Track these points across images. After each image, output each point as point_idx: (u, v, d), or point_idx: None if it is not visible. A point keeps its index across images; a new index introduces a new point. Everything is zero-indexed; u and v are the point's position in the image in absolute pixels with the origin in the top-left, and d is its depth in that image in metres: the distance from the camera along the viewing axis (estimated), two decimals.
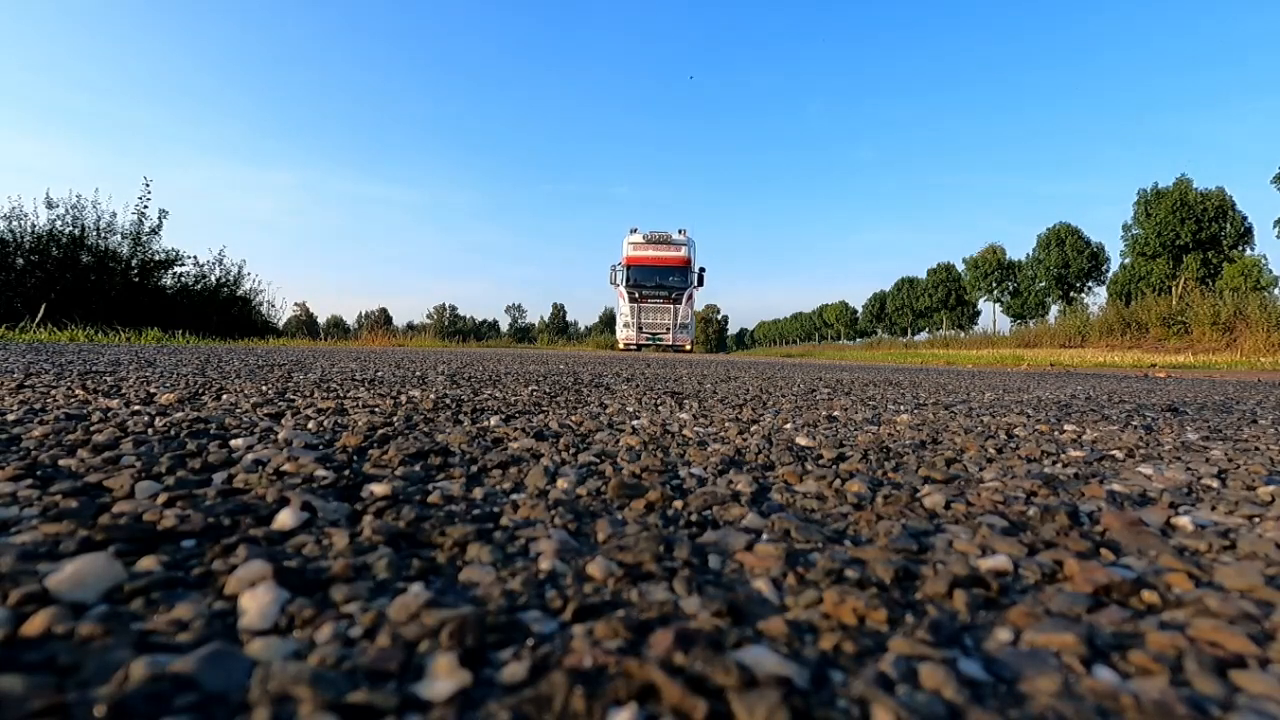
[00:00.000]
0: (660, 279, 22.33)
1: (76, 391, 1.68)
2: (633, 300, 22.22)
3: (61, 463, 0.87)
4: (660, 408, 1.89)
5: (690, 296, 22.50)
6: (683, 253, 22.76)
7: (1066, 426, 1.71)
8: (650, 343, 21.90)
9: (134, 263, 11.18)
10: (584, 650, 0.43)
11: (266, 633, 0.45)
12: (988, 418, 1.89)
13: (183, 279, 12.36)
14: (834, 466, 1.10)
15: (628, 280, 22.60)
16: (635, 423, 1.54)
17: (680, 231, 23.41)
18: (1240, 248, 27.01)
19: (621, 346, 21.99)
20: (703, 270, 23.31)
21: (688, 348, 21.91)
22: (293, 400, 1.69)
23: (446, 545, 0.64)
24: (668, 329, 22.04)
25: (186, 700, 0.36)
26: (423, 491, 0.83)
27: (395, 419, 1.41)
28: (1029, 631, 0.49)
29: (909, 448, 1.31)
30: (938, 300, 43.28)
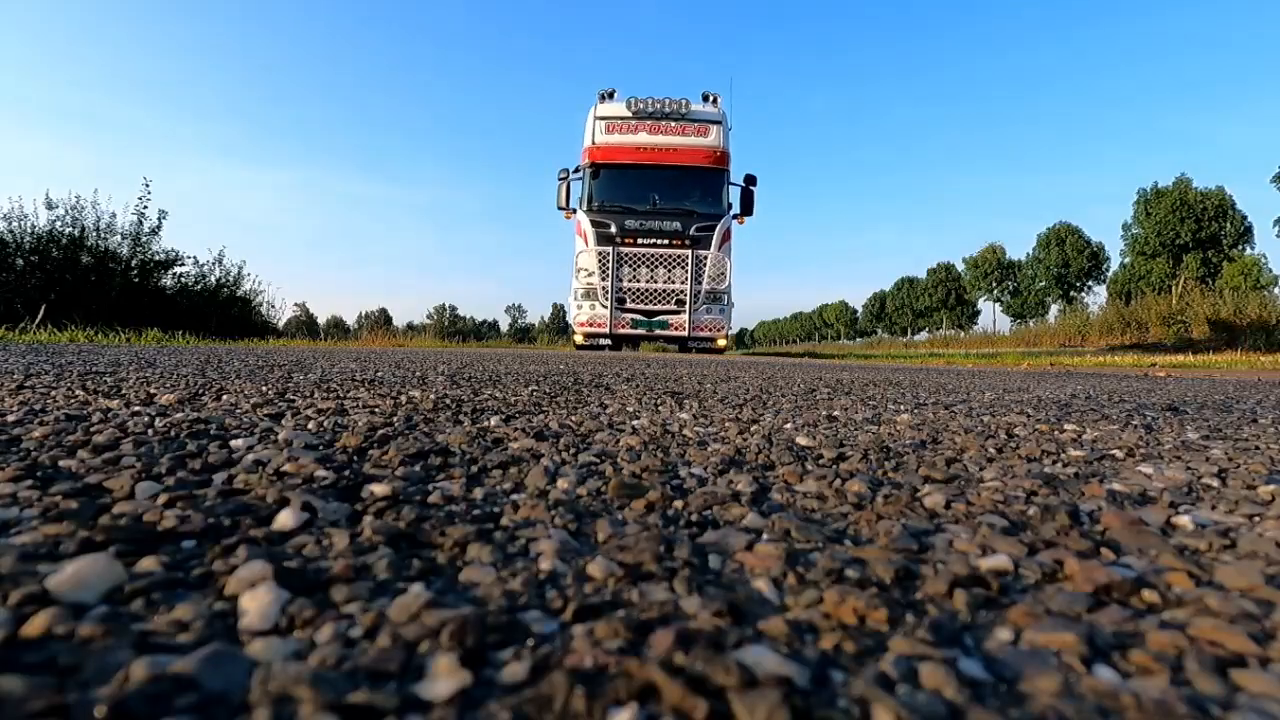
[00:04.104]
0: (663, 196, 11.14)
1: (76, 392, 1.68)
2: (605, 242, 10.97)
3: (62, 463, 0.87)
4: (660, 408, 1.89)
5: (726, 237, 11.19)
6: (710, 139, 11.27)
7: (1067, 426, 1.71)
8: (642, 331, 11.19)
9: (134, 263, 11.19)
10: (584, 650, 0.43)
11: (267, 633, 0.45)
12: (988, 417, 1.89)
13: (182, 279, 12.38)
14: (834, 466, 1.10)
15: (591, 200, 11.30)
16: (635, 423, 1.54)
17: (708, 99, 11.76)
18: (1240, 247, 27.03)
19: (581, 339, 11.47)
20: (751, 181, 11.70)
21: (721, 342, 11.35)
22: (293, 401, 1.69)
23: (447, 545, 0.64)
24: (680, 303, 10.93)
25: (187, 701, 0.36)
26: (423, 492, 0.83)
27: (395, 419, 1.41)
28: (1029, 631, 0.49)
29: (909, 447, 1.31)
30: (938, 300, 43.31)
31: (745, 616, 0.50)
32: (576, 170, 11.84)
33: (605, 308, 11.07)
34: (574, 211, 11.74)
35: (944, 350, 19.63)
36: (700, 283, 11.06)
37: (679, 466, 1.05)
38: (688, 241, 11.09)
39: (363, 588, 0.52)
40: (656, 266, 11.10)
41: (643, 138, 11.43)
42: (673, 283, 11.11)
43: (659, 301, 11.15)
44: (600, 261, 11.09)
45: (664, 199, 11.27)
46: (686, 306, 11.01)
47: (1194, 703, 0.40)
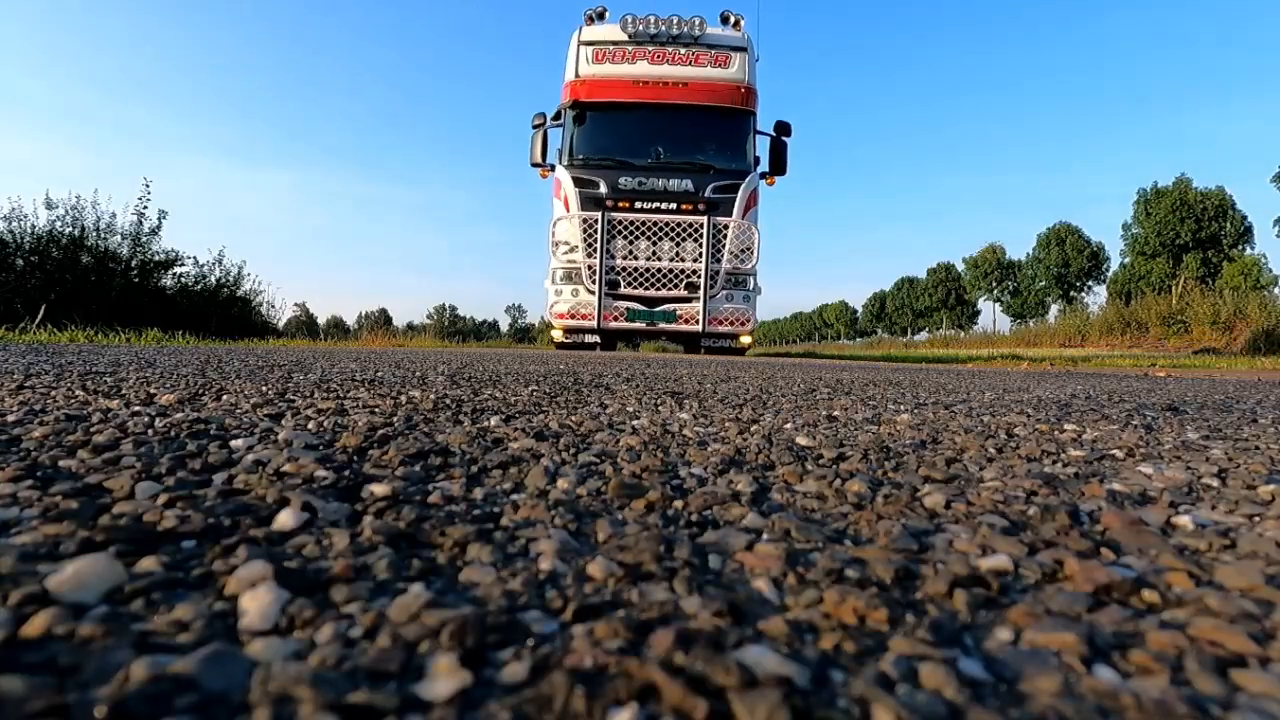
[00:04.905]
0: (669, 145, 8.49)
1: (76, 392, 1.68)
2: (592, 206, 8.28)
3: (62, 463, 0.87)
4: (660, 408, 1.89)
5: (752, 200, 8.50)
6: (733, 71, 8.51)
7: (1066, 426, 1.71)
8: (642, 325, 8.44)
9: (134, 263, 11.20)
10: (584, 650, 0.43)
11: (267, 633, 0.45)
12: (988, 417, 1.89)
13: (182, 279, 12.39)
14: (834, 466, 1.10)
15: (573, 152, 8.60)
16: (635, 423, 1.54)
17: (728, 20, 8.76)
18: (1240, 247, 27.06)
19: (560, 335, 8.79)
20: (784, 130, 8.93)
21: (745, 340, 8.82)
22: (293, 401, 1.69)
23: (447, 545, 0.64)
24: (692, 287, 8.26)
25: (187, 701, 0.36)
26: (423, 492, 0.83)
27: (395, 419, 1.41)
28: (1029, 631, 0.49)
29: (909, 447, 1.31)
30: (938, 300, 43.33)
31: (745, 616, 0.50)
32: (557, 116, 8.71)
33: (592, 294, 8.24)
34: (552, 169, 8.71)
35: (943, 350, 19.63)
36: (719, 260, 8.25)
37: (679, 466, 1.05)
38: (702, 206, 8.24)
39: (363, 588, 0.52)
40: (661, 239, 8.20)
41: (643, 68, 8.38)
42: (682, 260, 8.23)
43: (664, 286, 8.30)
44: (585, 232, 8.18)
45: (670, 150, 8.46)
46: (701, 292, 8.20)
47: (1194, 703, 0.40)
